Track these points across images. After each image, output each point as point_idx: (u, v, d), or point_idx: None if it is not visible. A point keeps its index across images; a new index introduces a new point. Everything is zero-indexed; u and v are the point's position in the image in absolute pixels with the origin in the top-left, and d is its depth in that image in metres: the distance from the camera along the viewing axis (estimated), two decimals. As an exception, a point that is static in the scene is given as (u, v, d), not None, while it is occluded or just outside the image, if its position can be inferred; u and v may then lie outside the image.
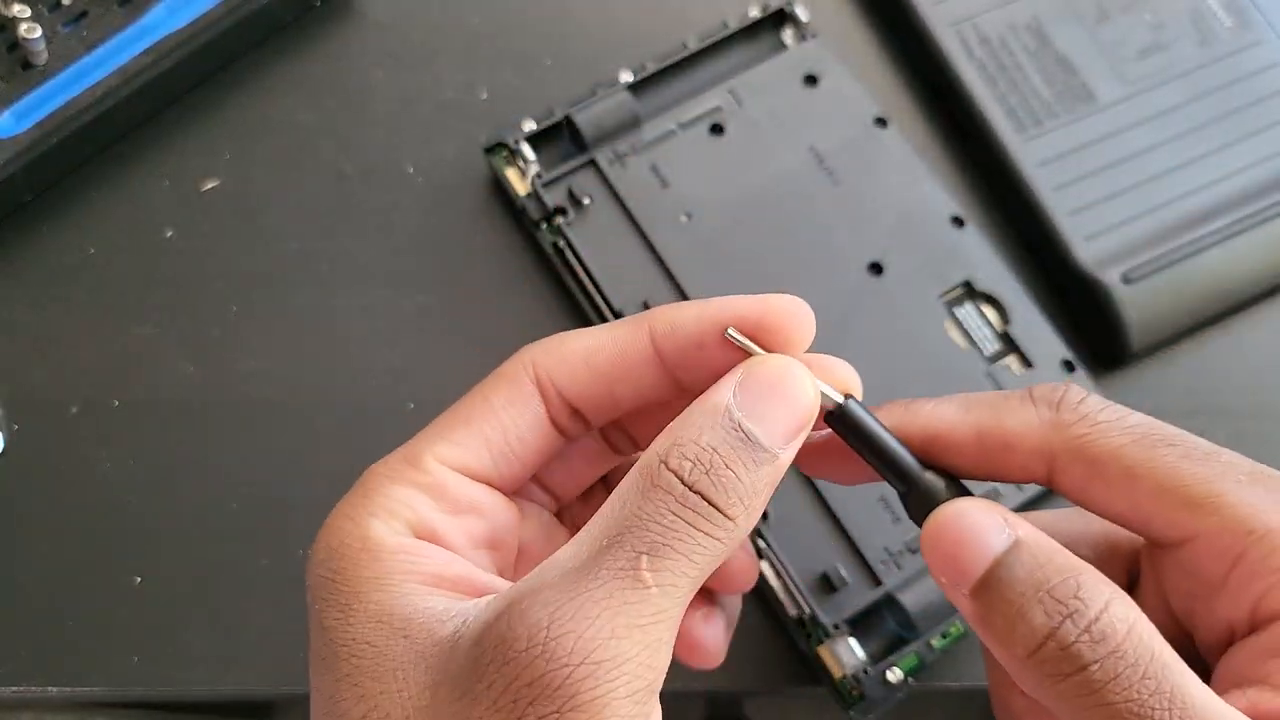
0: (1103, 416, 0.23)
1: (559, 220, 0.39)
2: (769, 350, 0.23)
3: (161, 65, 0.40)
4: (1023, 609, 0.20)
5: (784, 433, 0.22)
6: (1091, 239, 0.40)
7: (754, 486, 0.21)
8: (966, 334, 0.38)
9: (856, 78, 0.41)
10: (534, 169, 0.39)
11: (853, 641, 0.34)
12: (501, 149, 0.40)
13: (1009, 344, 0.38)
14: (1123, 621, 0.20)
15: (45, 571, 0.35)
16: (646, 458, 0.22)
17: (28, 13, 0.39)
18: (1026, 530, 0.22)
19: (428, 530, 0.23)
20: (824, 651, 0.34)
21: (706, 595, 0.26)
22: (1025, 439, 0.24)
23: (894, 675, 0.34)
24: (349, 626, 0.21)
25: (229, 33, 0.41)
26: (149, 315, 0.39)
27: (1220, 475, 0.22)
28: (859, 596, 0.35)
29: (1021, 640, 0.20)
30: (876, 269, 0.39)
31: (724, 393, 0.22)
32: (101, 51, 0.39)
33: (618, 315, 0.38)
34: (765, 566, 0.35)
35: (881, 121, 0.41)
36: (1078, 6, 0.43)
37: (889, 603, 0.34)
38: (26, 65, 0.39)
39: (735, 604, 0.27)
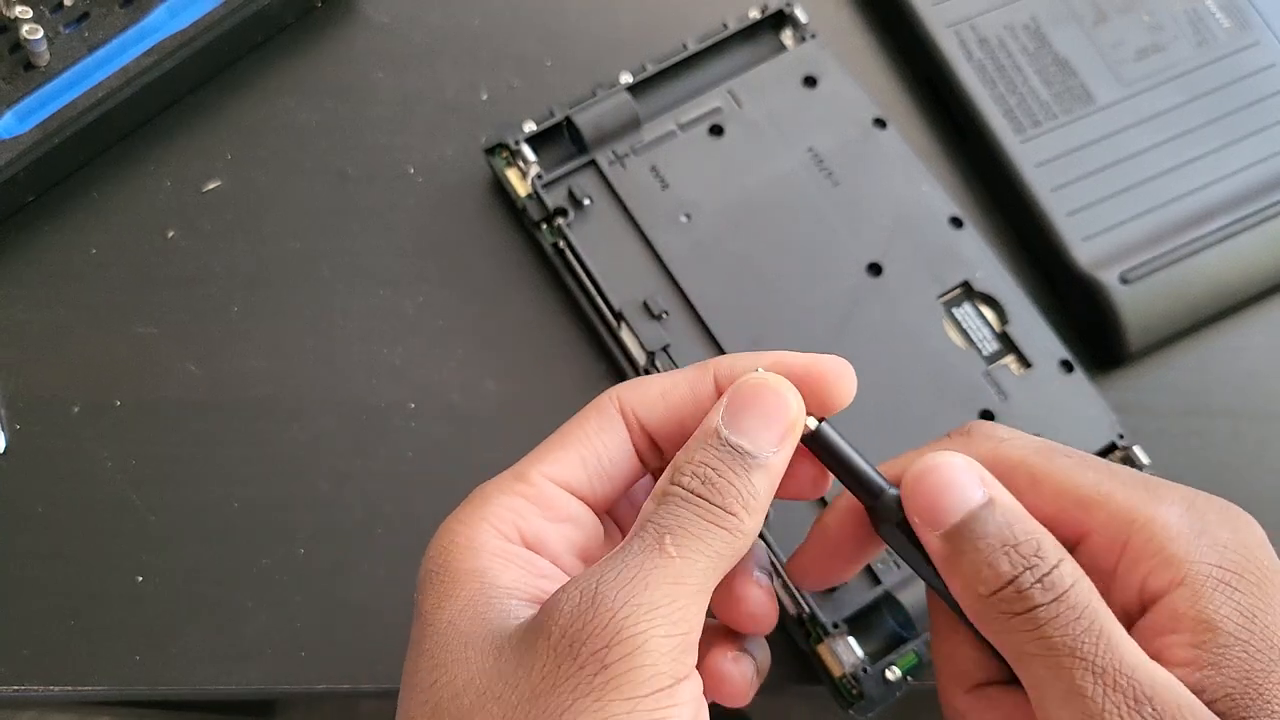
0: (1006, 434, 0.27)
1: (559, 221, 0.39)
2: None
3: (163, 66, 0.40)
4: (990, 557, 0.24)
5: (770, 439, 0.25)
6: (1089, 239, 0.40)
7: (750, 489, 0.25)
8: (965, 334, 0.38)
9: (855, 79, 0.42)
10: (534, 170, 0.39)
11: (851, 640, 0.34)
12: (502, 150, 0.40)
13: (1007, 344, 0.38)
14: (1070, 577, 0.24)
15: (47, 570, 0.35)
16: (660, 481, 0.25)
17: (30, 14, 0.39)
18: (999, 491, 0.25)
19: (533, 535, 0.26)
20: (823, 650, 0.35)
21: (736, 640, 0.28)
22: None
23: (893, 674, 0.34)
24: (440, 611, 0.25)
25: (230, 34, 0.41)
26: (151, 315, 0.39)
27: (1109, 479, 0.26)
28: (858, 595, 0.35)
29: (985, 581, 0.24)
30: (875, 269, 0.39)
31: (714, 416, 0.25)
32: (103, 53, 0.40)
33: (618, 315, 0.38)
34: None
35: (880, 122, 0.41)
36: (1076, 8, 0.44)
37: (888, 601, 0.35)
38: (29, 66, 0.39)
39: (765, 653, 0.29)
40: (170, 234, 0.40)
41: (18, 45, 0.39)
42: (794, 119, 0.41)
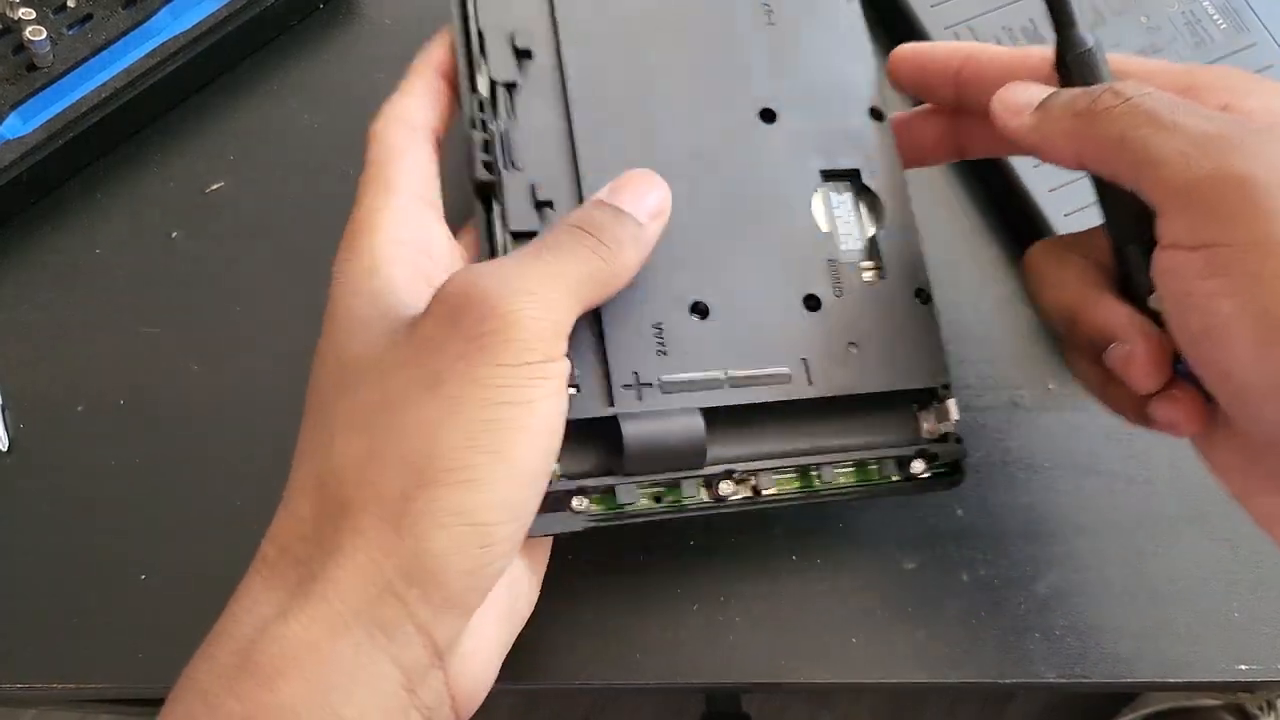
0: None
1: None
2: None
3: (166, 68, 0.40)
4: (1087, 89, 0.30)
5: (643, 209, 0.30)
6: (1087, 240, 0.40)
7: (625, 232, 0.29)
8: (832, 219, 0.35)
9: None
10: None
11: None
12: None
13: (872, 250, 0.34)
14: (1144, 85, 0.29)
15: (50, 569, 0.36)
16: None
17: (33, 15, 0.39)
18: None
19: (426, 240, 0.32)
20: None
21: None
22: (1038, 51, 0.33)
23: (579, 504, 0.30)
24: (343, 300, 0.30)
25: (233, 36, 0.41)
26: (154, 315, 0.39)
27: (1163, 62, 0.31)
28: (584, 405, 0.30)
29: (1082, 101, 0.29)
30: (769, 116, 0.35)
31: (599, 192, 0.30)
32: (106, 54, 0.40)
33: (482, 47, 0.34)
34: None
35: None
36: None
37: (612, 427, 0.30)
38: (32, 67, 0.39)
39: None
40: (174, 235, 0.40)
41: (21, 46, 0.39)
42: None
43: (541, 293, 0.27)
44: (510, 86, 0.33)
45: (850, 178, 0.35)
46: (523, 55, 0.34)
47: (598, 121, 0.34)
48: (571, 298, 0.28)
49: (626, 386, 0.31)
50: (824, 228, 0.34)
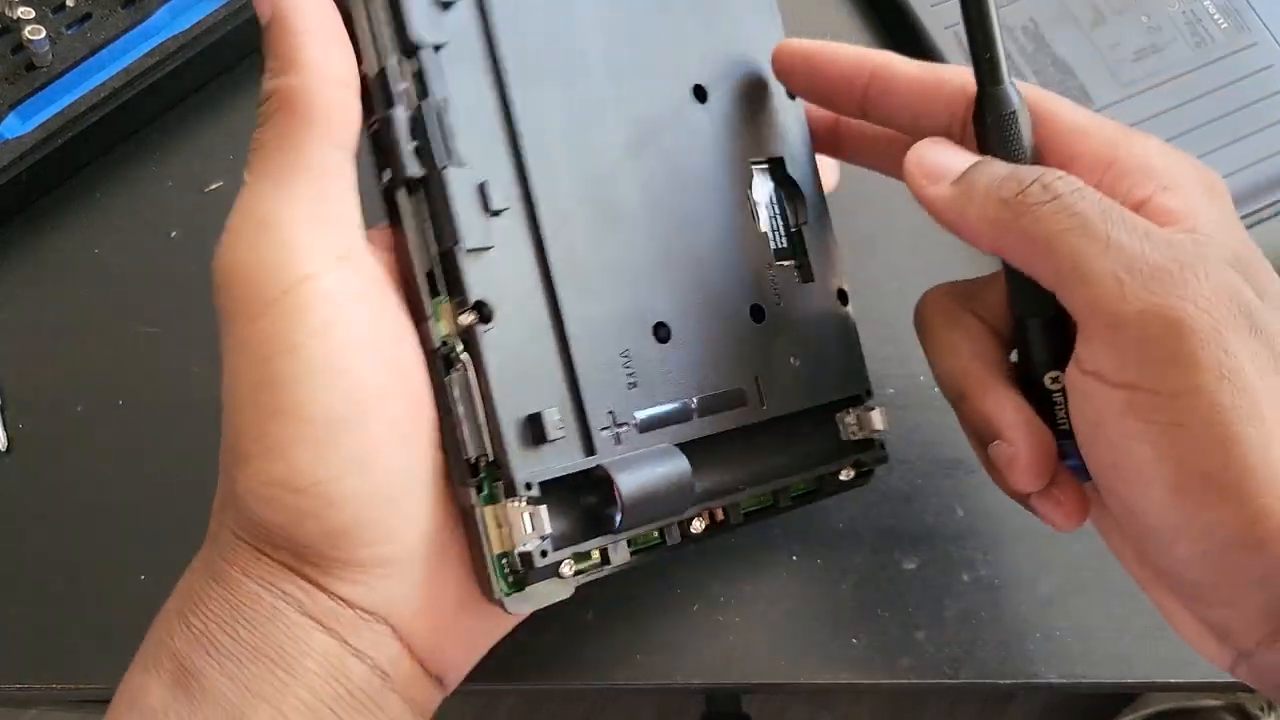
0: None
1: None
2: None
3: (165, 67, 0.40)
4: (1014, 171, 0.27)
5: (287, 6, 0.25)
6: (1088, 240, 0.40)
7: (289, 68, 0.25)
8: (763, 215, 0.32)
9: None
10: None
11: (544, 511, 0.26)
12: None
13: (797, 247, 0.33)
14: (1075, 180, 0.27)
15: (50, 569, 0.36)
16: None
17: (32, 15, 0.39)
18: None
19: None
20: (494, 514, 0.26)
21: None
22: (955, 77, 0.30)
23: (568, 569, 0.27)
24: None
25: (232, 35, 0.41)
26: (153, 315, 0.39)
27: (1089, 118, 0.29)
28: (565, 458, 0.27)
29: (1008, 187, 0.27)
30: (701, 95, 0.31)
31: None
32: (105, 54, 0.40)
33: None
34: (459, 378, 0.26)
35: None
36: (1074, 9, 0.44)
37: (596, 481, 0.27)
38: (31, 67, 0.39)
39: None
40: (173, 234, 0.40)
41: (20, 46, 0.39)
42: None
43: (252, 220, 0.24)
44: (437, 48, 0.26)
45: (774, 166, 0.33)
46: (446, 4, 0.27)
47: (534, 92, 0.28)
48: (298, 193, 0.25)
49: (604, 429, 0.27)
50: (760, 226, 0.32)
